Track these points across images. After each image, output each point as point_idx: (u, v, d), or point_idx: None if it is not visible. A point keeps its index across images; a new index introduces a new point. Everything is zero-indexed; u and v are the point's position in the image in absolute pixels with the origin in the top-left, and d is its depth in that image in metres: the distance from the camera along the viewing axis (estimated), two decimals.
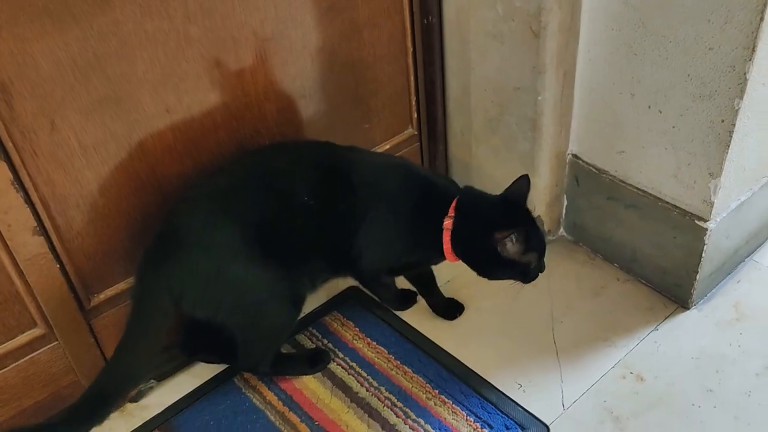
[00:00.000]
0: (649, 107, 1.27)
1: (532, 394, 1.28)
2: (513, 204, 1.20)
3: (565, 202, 1.58)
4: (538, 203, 1.54)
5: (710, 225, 1.28)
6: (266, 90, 1.28)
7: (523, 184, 1.20)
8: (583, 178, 1.49)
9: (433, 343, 1.40)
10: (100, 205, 1.16)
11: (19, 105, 1.01)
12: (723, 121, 1.16)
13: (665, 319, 1.40)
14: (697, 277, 1.35)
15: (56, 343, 1.21)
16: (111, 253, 1.21)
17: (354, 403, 1.30)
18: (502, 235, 1.13)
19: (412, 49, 1.47)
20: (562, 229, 1.63)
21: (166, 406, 1.34)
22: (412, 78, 1.51)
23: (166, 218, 1.16)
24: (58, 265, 1.14)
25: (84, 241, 1.17)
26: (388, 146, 1.55)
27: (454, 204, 1.20)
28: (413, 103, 1.55)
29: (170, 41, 1.11)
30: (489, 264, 1.21)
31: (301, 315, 1.42)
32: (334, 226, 1.20)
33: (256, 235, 1.13)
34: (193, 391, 1.37)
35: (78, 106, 1.06)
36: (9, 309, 1.13)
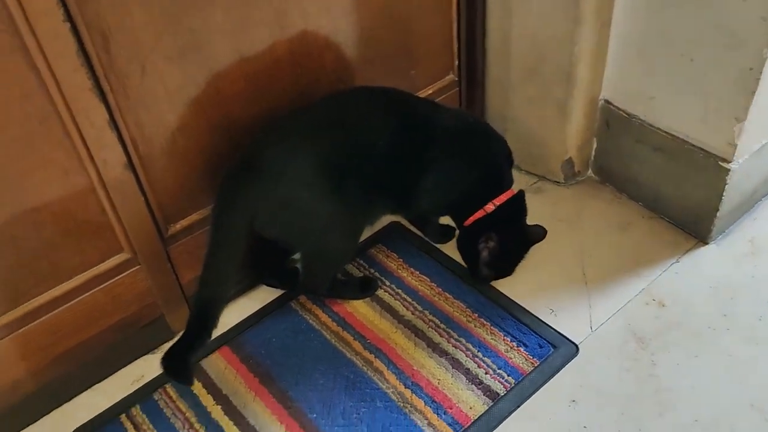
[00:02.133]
0: (682, 55, 1.37)
1: (563, 318, 1.43)
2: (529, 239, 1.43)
3: (595, 145, 1.69)
4: (570, 146, 1.65)
5: (733, 166, 1.39)
6: (327, 40, 1.38)
7: (540, 233, 1.43)
8: (614, 123, 1.60)
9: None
10: (180, 144, 1.28)
11: (115, 51, 1.12)
12: (751, 69, 1.26)
13: (686, 252, 1.53)
14: (717, 214, 1.47)
15: (139, 267, 1.35)
16: (187, 187, 1.34)
17: (401, 324, 1.45)
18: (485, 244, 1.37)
19: (456, 1, 1.56)
20: (590, 170, 1.74)
21: (232, 325, 1.50)
22: (455, 27, 1.60)
23: (248, 147, 1.28)
24: (143, 198, 1.27)
25: (165, 176, 1.29)
26: (430, 91, 1.66)
27: (502, 198, 1.38)
28: (455, 50, 1.65)
29: None
30: (467, 251, 1.44)
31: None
32: (401, 171, 1.32)
33: (329, 170, 1.25)
34: (255, 312, 1.52)
35: (164, 53, 1.17)
36: (101, 236, 1.27)
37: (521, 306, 1.46)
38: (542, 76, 1.58)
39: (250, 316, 1.51)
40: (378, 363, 1.37)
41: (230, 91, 1.29)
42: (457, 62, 1.67)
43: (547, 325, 1.41)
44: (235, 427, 1.30)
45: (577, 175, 1.73)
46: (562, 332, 1.39)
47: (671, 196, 1.55)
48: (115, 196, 1.24)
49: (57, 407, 1.38)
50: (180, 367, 1.23)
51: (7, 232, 1.15)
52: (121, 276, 1.34)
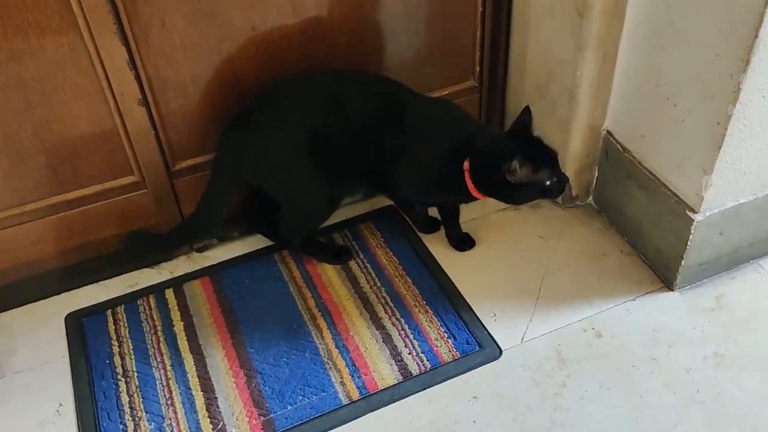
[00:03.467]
0: (667, 99, 1.38)
1: (501, 324, 1.50)
2: (518, 135, 1.37)
3: (596, 174, 1.71)
4: (568, 168, 1.69)
5: (698, 217, 1.39)
6: (340, 24, 1.53)
7: (525, 116, 1.37)
8: (612, 154, 1.62)
9: (439, 265, 1.64)
10: (191, 93, 1.49)
11: (141, 4, 1.34)
12: (718, 123, 1.26)
13: (646, 293, 1.53)
14: (683, 263, 1.47)
15: (146, 191, 1.58)
16: (195, 131, 1.54)
17: (356, 294, 1.58)
18: (507, 165, 1.29)
19: (481, 9, 1.64)
20: (591, 198, 1.77)
21: (220, 260, 1.70)
22: (478, 34, 1.69)
23: (248, 103, 1.48)
24: (153, 132, 1.50)
25: (175, 118, 1.51)
26: (446, 92, 1.76)
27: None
28: (477, 57, 1.73)
29: None
30: (509, 192, 1.36)
31: (343, 219, 1.73)
32: (378, 152, 1.44)
33: (310, 138, 1.41)
34: (242, 255, 1.71)
35: (183, 12, 1.38)
36: (115, 157, 1.51)
37: (468, 303, 1.54)
38: (551, 94, 1.63)
39: (238, 257, 1.71)
40: (321, 321, 1.53)
41: (241, 55, 1.48)
42: (478, 68, 1.75)
43: (483, 326, 1.49)
44: (186, 342, 1.50)
45: (575, 200, 1.76)
46: (493, 336, 1.47)
47: (650, 236, 1.56)
48: (129, 126, 1.47)
49: (66, 290, 1.64)
50: (134, 241, 1.48)
51: (37, 136, 1.41)
52: (129, 195, 1.58)
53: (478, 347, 1.45)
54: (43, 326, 1.57)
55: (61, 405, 1.41)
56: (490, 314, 1.52)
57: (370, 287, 1.60)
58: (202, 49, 1.44)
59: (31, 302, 1.63)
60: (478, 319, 1.51)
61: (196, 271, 1.69)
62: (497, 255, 1.66)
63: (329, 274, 1.64)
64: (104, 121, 1.45)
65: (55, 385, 1.44)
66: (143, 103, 1.44)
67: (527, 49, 1.63)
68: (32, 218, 1.52)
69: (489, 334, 1.48)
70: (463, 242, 1.68)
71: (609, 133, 1.62)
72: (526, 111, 1.37)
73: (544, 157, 1.35)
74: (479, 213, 1.77)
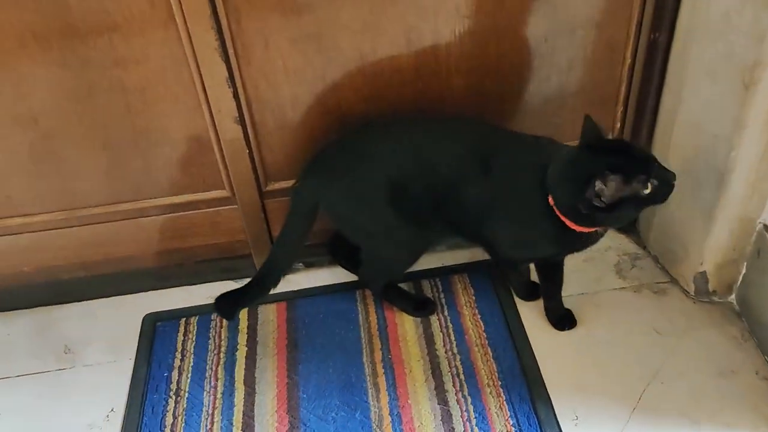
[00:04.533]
0: None
1: (583, 429, 1.28)
2: (593, 147, 1.13)
3: (744, 271, 1.42)
4: (707, 259, 1.42)
5: None
6: (458, 64, 1.38)
7: (589, 123, 1.13)
8: (766, 254, 1.32)
9: (528, 341, 1.44)
10: (289, 117, 1.42)
11: (245, 23, 1.28)
12: None
13: None
14: None
15: (236, 206, 1.55)
16: (290, 154, 1.47)
17: (428, 356, 1.44)
18: (590, 193, 1.07)
19: (630, 61, 1.41)
20: (733, 296, 1.47)
21: (302, 287, 1.63)
22: (623, 88, 1.46)
23: (333, 141, 1.38)
24: (248, 151, 1.45)
25: (271, 139, 1.45)
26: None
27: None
28: (618, 114, 1.50)
29: None
30: (605, 218, 1.14)
31: (436, 265, 1.59)
32: (464, 204, 1.29)
33: (392, 184, 1.29)
34: (325, 286, 1.63)
35: (288, 35, 1.30)
36: (209, 170, 1.48)
37: (549, 396, 1.34)
38: (696, 172, 1.36)
39: (319, 287, 1.63)
40: (382, 379, 1.40)
41: (346, 84, 1.38)
42: (618, 126, 1.52)
43: (560, 428, 1.28)
44: (243, 371, 1.45)
45: (712, 295, 1.47)
46: None
47: None
48: (224, 142, 1.43)
49: (153, 289, 1.67)
50: (226, 307, 1.42)
51: (136, 142, 1.42)
52: (219, 209, 1.56)
53: None
54: (123, 321, 1.60)
55: (112, 411, 1.41)
56: (572, 415, 1.31)
57: (445, 351, 1.44)
58: (305, 73, 1.36)
59: (120, 295, 1.66)
60: (556, 418, 1.30)
61: (276, 294, 1.62)
62: (599, 343, 1.43)
63: (406, 326, 1.51)
64: (200, 134, 1.42)
65: (114, 388, 1.45)
66: (239, 121, 1.40)
67: (677, 115, 1.37)
68: (126, 217, 1.54)
69: None
70: (562, 320, 1.47)
71: (766, 227, 1.32)
72: (588, 119, 1.14)
73: (633, 161, 1.10)
74: (590, 288, 1.55)
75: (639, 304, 1.50)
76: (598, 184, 1.06)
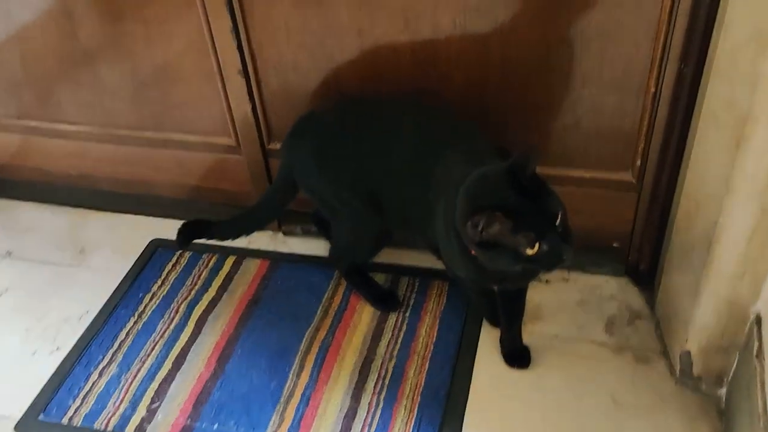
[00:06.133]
0: None
1: None
2: (510, 176, 0.98)
3: (735, 364, 1.19)
4: (691, 338, 1.21)
5: None
6: (458, 57, 1.29)
7: (525, 155, 0.98)
8: (756, 350, 1.10)
9: (470, 368, 1.35)
10: (291, 79, 1.42)
11: None
12: None
13: None
14: None
15: (241, 158, 1.59)
16: (292, 118, 1.45)
17: (367, 351, 1.39)
18: (471, 219, 0.96)
19: (653, 90, 1.22)
20: (723, 389, 1.24)
21: (290, 251, 1.65)
22: (646, 120, 1.27)
23: (315, 111, 1.37)
24: (251, 105, 1.48)
25: (273, 99, 1.47)
26: (587, 176, 1.37)
27: None
28: (640, 148, 1.31)
29: None
30: (478, 249, 1.02)
31: (426, 266, 1.51)
32: (414, 203, 1.22)
33: (356, 167, 1.26)
34: (312, 256, 1.63)
35: None
36: (218, 116, 1.54)
37: (460, 430, 1.24)
38: (692, 236, 1.16)
39: (306, 255, 1.64)
40: (311, 358, 1.39)
41: (344, 57, 1.35)
42: (639, 162, 1.33)
43: None
44: (200, 312, 1.51)
45: (698, 381, 1.26)
46: None
47: None
48: (230, 92, 1.48)
49: (169, 217, 1.74)
50: (185, 232, 1.44)
51: (156, 73, 1.51)
52: (226, 156, 1.62)
53: None
54: (134, 239, 1.73)
55: (87, 312, 1.54)
56: None
57: (385, 352, 1.39)
58: (305, 37, 1.35)
59: (142, 215, 1.80)
60: None
61: (265, 251, 1.67)
62: (544, 394, 1.29)
63: (363, 316, 1.47)
64: (209, 80, 1.47)
65: (98, 294, 1.58)
66: (243, 74, 1.43)
67: (690, 158, 1.17)
68: (149, 145, 1.65)
69: None
70: (514, 355, 1.35)
71: (759, 321, 1.09)
72: (530, 148, 0.99)
73: (535, 214, 0.96)
74: (568, 333, 1.40)
75: (612, 366, 1.33)
76: (482, 220, 0.94)
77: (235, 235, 1.49)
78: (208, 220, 1.46)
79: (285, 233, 1.71)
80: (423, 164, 1.19)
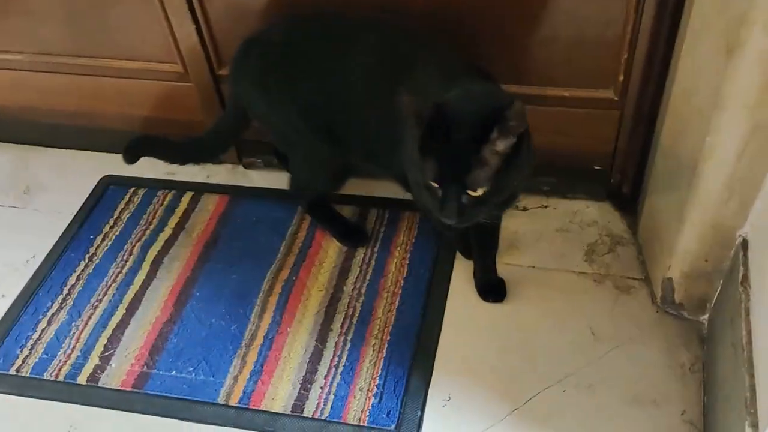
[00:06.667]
0: None
1: (446, 415, 1.12)
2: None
3: (719, 290, 1.12)
4: (674, 265, 1.14)
5: None
6: None
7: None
8: (737, 275, 1.03)
9: (443, 302, 1.28)
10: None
11: None
12: None
13: None
14: None
15: (190, 85, 1.46)
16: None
17: (333, 289, 1.32)
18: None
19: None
20: (705, 316, 1.18)
21: (252, 185, 1.55)
22: (629, 28, 1.15)
23: (263, 30, 1.23)
24: (194, 26, 1.34)
25: (219, 20, 1.33)
26: (566, 94, 1.26)
27: None
28: (623, 59, 1.19)
29: None
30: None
31: (392, 197, 1.41)
32: (377, 132, 1.12)
33: (307, 93, 1.15)
34: (275, 190, 1.52)
35: None
36: (161, 39, 1.39)
37: (432, 369, 1.18)
38: (678, 155, 1.07)
39: (269, 189, 1.53)
40: (274, 299, 1.31)
41: None
42: (621, 77, 1.21)
43: (422, 406, 1.13)
44: (155, 253, 1.41)
45: (680, 308, 1.20)
46: (423, 424, 1.11)
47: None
48: (169, 11, 1.33)
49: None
50: (132, 147, 1.33)
51: (81, 3, 1.35)
52: (174, 83, 1.48)
53: (394, 427, 1.11)
54: (84, 177, 1.61)
55: (33, 257, 1.45)
56: (445, 395, 1.14)
57: (352, 289, 1.31)
58: None
59: (93, 151, 1.67)
60: (425, 393, 1.15)
61: (225, 185, 1.57)
62: (520, 327, 1.23)
63: (330, 252, 1.39)
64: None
65: (45, 238, 1.48)
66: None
67: (677, 70, 1.06)
68: (87, 72, 1.51)
69: (420, 419, 1.11)
70: (488, 289, 1.27)
71: (745, 245, 1.01)
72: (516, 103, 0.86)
73: (463, 156, 0.87)
74: (546, 263, 1.32)
75: (592, 296, 1.26)
76: (418, 101, 0.87)
77: (183, 160, 1.40)
78: (158, 136, 1.37)
79: (246, 166, 1.60)
80: (386, 87, 1.06)
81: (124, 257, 1.41)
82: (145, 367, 1.22)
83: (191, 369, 1.21)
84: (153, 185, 1.56)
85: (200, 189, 1.54)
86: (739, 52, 0.82)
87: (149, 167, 1.55)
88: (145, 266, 1.39)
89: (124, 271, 1.38)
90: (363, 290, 1.30)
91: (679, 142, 1.05)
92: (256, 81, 1.21)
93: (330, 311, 1.28)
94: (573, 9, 1.15)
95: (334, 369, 1.19)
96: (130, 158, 1.33)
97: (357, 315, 1.26)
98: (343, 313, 1.27)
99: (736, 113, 0.87)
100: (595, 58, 1.20)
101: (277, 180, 1.54)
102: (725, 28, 0.84)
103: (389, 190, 1.42)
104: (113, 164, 1.61)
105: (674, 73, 1.06)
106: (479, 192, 0.89)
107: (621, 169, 1.36)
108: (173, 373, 1.21)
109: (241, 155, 1.58)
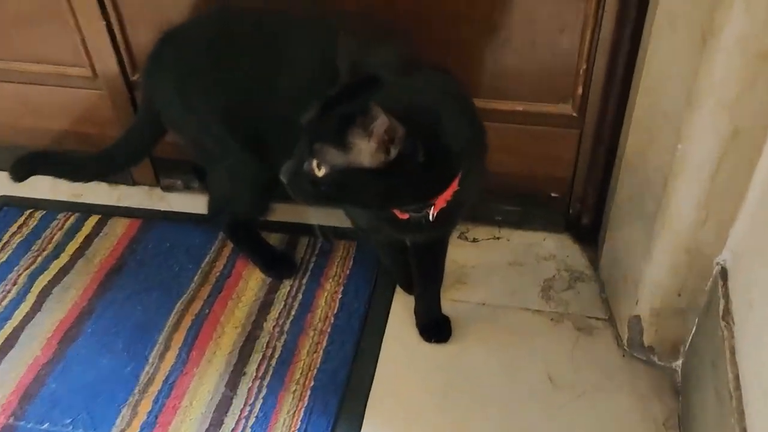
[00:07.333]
0: None
1: None
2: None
3: (694, 330, 0.97)
4: (642, 300, 0.99)
5: None
6: None
7: None
8: (716, 310, 0.88)
9: (379, 342, 1.11)
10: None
11: None
12: None
13: None
14: None
15: (102, 92, 1.29)
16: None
17: (250, 327, 1.13)
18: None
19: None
20: (678, 361, 1.03)
21: (169, 209, 1.37)
22: (588, 33, 1.03)
23: (180, 26, 1.07)
24: (104, 22, 1.19)
25: (135, 16, 1.19)
26: (520, 108, 1.13)
27: None
28: (581, 70, 1.07)
29: None
30: None
31: (334, 224, 1.24)
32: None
33: (230, 97, 0.99)
34: (194, 214, 1.34)
35: None
36: (66, 39, 1.23)
37: (362, 421, 0.99)
38: (646, 171, 0.93)
39: (188, 213, 1.36)
40: (180, 336, 1.11)
41: None
42: (580, 91, 1.09)
43: None
44: (45, 282, 1.22)
45: (649, 352, 1.04)
46: None
47: None
48: (77, 9, 1.17)
49: None
50: (21, 165, 1.15)
51: None
52: (82, 90, 1.31)
53: None
54: None
55: None
56: None
57: (273, 327, 1.13)
58: None
59: None
60: None
61: (137, 209, 1.38)
62: (467, 373, 1.06)
63: (251, 283, 1.20)
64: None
65: None
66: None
67: (643, 73, 0.93)
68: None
69: None
70: (430, 327, 1.10)
71: (724, 274, 0.87)
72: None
73: (324, 126, 0.77)
74: (498, 300, 1.17)
75: (549, 338, 1.10)
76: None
77: (86, 177, 1.22)
78: (54, 150, 1.21)
79: (164, 188, 1.42)
80: (321, 89, 0.91)
81: (8, 288, 1.20)
82: (12, 418, 1.01)
83: (68, 421, 1.00)
84: (53, 207, 1.37)
85: (108, 212, 1.36)
86: (715, 40, 0.70)
87: (51, 188, 1.36)
88: (30, 298, 1.19)
89: (3, 303, 1.17)
90: (286, 327, 1.12)
91: (647, 156, 0.92)
92: (171, 82, 1.05)
93: (245, 351, 1.09)
94: (527, 12, 1.03)
95: (244, 420, 0.99)
96: (19, 175, 1.15)
97: (277, 356, 1.08)
98: (261, 353, 1.08)
99: (712, 113, 0.74)
100: (551, 68, 1.08)
101: (198, 203, 1.35)
102: (699, 16, 0.71)
103: (323, 216, 1.25)
104: (12, 184, 1.41)
105: (639, 78, 0.94)
106: (321, 171, 0.75)
107: (581, 198, 1.22)
108: (45, 425, 1.00)
109: (159, 176, 1.40)
